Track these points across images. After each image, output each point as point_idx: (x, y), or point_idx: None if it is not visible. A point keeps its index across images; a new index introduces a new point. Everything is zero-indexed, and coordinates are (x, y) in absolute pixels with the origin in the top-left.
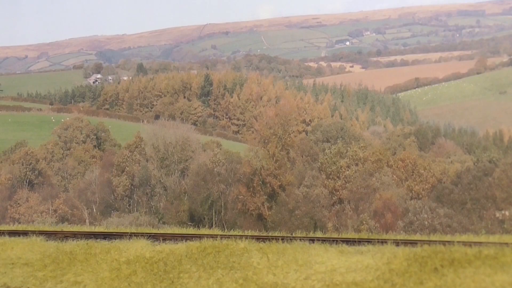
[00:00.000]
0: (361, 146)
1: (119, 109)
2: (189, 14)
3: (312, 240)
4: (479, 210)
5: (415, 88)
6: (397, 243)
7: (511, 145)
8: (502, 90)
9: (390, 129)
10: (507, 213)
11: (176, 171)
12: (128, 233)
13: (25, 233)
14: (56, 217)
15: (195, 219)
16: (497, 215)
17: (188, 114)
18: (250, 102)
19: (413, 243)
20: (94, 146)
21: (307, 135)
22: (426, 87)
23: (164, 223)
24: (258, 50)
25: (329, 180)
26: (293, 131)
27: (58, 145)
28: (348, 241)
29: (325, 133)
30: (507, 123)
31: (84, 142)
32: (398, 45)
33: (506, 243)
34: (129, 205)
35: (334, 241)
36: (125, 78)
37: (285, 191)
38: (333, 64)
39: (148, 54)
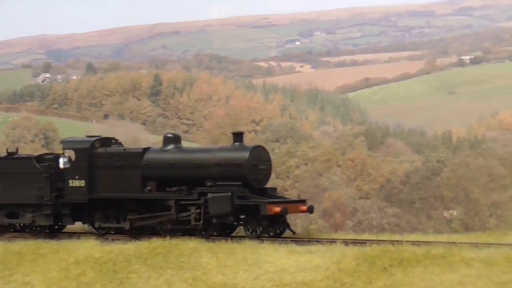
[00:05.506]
0: (311, 146)
1: (68, 108)
2: (140, 13)
3: (261, 239)
4: (427, 210)
5: (365, 88)
6: (346, 242)
7: (460, 145)
8: (451, 90)
9: (339, 129)
10: (455, 212)
11: None
12: (76, 233)
13: None
14: None
15: None
16: (445, 214)
17: (137, 114)
18: (200, 102)
19: (362, 242)
20: (43, 145)
21: (256, 134)
22: (375, 87)
23: None
24: (208, 50)
25: (278, 179)
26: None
27: (6, 145)
28: (297, 241)
29: (275, 133)
30: (455, 123)
31: (32, 141)
32: (348, 45)
33: (454, 243)
34: None
35: (284, 240)
36: (74, 77)
37: None
38: (283, 64)
39: (98, 53)
